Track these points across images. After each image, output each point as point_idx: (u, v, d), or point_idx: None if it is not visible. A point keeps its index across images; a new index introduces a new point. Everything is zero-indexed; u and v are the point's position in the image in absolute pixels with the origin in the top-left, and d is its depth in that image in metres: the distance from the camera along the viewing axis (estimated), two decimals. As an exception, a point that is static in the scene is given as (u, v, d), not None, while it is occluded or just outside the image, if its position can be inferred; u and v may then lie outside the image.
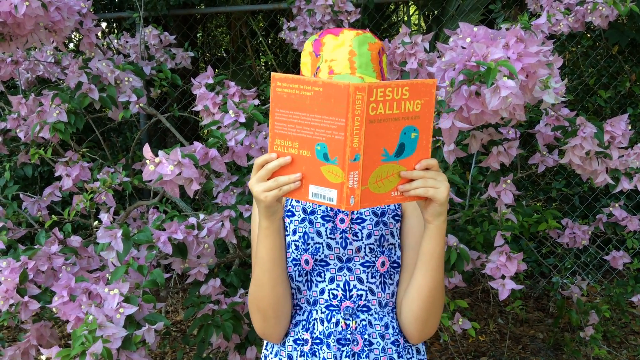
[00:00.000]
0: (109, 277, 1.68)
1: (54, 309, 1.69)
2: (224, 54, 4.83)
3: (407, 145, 1.08)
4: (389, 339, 1.31)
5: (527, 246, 3.41)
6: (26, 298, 1.72)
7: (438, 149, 2.05)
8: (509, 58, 1.49)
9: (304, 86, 1.03)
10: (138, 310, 1.54)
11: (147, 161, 1.43)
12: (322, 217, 1.33)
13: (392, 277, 1.34)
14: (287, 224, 1.35)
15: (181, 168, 1.45)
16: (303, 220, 1.33)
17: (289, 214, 1.36)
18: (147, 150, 1.42)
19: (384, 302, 1.32)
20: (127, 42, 3.31)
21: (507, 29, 1.69)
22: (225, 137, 1.69)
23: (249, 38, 4.17)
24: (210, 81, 2.12)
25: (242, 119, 1.81)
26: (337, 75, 1.27)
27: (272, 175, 1.10)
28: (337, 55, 1.28)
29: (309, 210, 1.34)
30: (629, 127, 2.09)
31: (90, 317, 1.48)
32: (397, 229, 1.35)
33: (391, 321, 1.33)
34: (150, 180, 1.45)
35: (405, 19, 3.99)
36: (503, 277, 2.13)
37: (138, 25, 3.75)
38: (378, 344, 1.29)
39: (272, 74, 1.07)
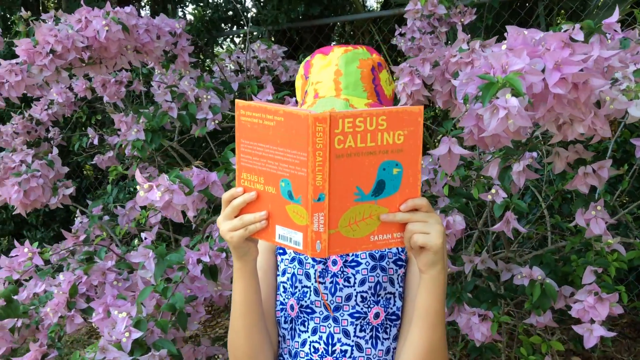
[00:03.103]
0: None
1: (93, 324, 1.75)
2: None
3: (387, 183, 0.92)
4: None
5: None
6: (72, 312, 1.80)
7: (508, 169, 1.78)
8: (543, 68, 1.23)
9: (267, 115, 0.92)
10: (149, 334, 1.53)
11: (138, 187, 1.41)
12: (313, 258, 1.17)
13: (388, 330, 1.16)
14: (278, 263, 1.23)
15: (171, 195, 1.42)
16: (293, 259, 1.20)
17: (281, 251, 1.24)
18: (138, 175, 1.39)
19: None
20: (238, 57, 3.41)
21: (564, 32, 1.41)
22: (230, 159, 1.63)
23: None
24: (270, 98, 2.06)
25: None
26: (322, 98, 1.15)
27: (239, 212, 0.98)
28: (322, 76, 1.17)
29: None
30: None
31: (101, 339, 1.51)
32: (399, 275, 1.18)
33: None
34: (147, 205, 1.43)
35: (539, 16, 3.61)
36: (592, 321, 1.79)
37: (250, 41, 3.85)
38: None
39: (237, 101, 0.97)
